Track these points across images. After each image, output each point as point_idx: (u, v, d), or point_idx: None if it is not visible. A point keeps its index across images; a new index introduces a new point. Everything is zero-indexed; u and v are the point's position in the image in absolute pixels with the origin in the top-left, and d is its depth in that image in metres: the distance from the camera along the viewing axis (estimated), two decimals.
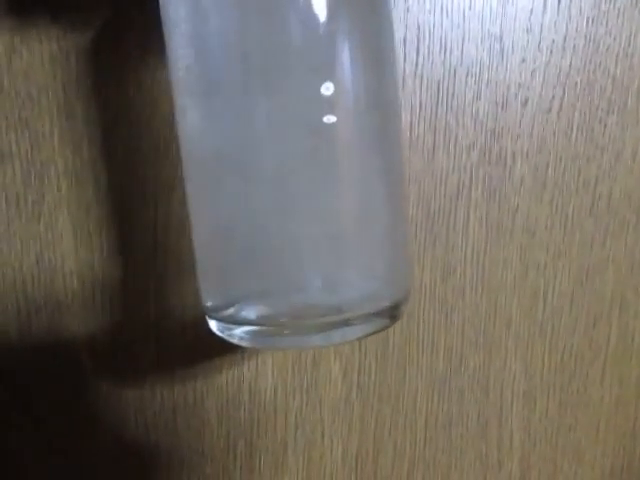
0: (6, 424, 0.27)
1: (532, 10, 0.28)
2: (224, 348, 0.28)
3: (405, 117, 0.27)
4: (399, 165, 0.23)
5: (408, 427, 0.31)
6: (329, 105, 0.19)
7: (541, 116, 0.29)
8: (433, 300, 0.30)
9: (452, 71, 0.28)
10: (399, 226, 0.22)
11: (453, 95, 0.28)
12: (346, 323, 0.20)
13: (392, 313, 0.22)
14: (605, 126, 0.30)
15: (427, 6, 0.27)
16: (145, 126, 0.26)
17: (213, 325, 0.23)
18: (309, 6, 0.18)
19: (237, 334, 0.22)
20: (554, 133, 0.30)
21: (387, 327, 0.22)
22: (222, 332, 0.22)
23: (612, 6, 0.29)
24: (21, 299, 0.27)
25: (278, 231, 0.20)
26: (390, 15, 0.21)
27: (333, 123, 0.19)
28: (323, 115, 0.19)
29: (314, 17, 0.19)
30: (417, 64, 0.27)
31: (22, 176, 0.25)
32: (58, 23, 0.24)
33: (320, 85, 0.19)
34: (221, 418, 0.29)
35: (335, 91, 0.19)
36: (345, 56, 0.19)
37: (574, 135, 0.30)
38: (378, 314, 0.21)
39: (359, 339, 0.21)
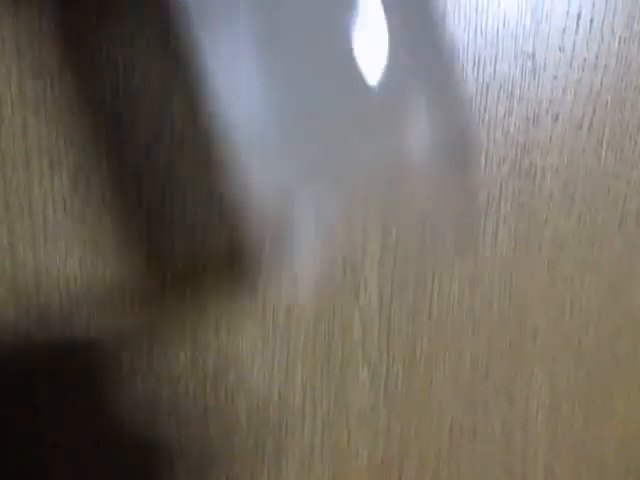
0: (47, 419, 0.28)
1: (565, 29, 0.29)
2: (256, 349, 0.29)
3: None
4: None
5: (433, 436, 0.32)
6: None
7: (571, 132, 0.30)
8: (461, 310, 0.30)
9: (485, 87, 0.28)
10: None
11: (485, 110, 0.29)
12: None
13: None
14: (635, 143, 0.30)
15: (462, 24, 0.28)
16: (187, 135, 0.27)
17: None
18: None
19: None
20: (584, 149, 0.30)
21: None
22: None
23: None
24: (64, 297, 0.28)
25: None
26: None
27: None
28: None
29: None
30: None
31: (69, 183, 0.27)
32: (104, 40, 0.25)
33: None
34: (251, 419, 0.30)
35: None
36: None
37: (604, 152, 0.30)
38: None
39: None
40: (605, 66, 0.29)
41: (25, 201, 0.27)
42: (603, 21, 0.29)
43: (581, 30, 0.29)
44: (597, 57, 0.29)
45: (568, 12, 0.29)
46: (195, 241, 0.28)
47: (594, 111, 0.30)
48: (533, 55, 0.29)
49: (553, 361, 0.32)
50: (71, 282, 0.28)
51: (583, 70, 0.29)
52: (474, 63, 0.28)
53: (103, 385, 0.29)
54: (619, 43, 0.29)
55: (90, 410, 0.29)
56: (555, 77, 0.29)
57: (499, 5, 0.28)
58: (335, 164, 0.21)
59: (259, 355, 0.29)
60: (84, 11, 0.25)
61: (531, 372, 0.32)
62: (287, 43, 0.20)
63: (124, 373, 0.29)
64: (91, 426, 0.29)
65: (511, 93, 0.29)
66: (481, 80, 0.28)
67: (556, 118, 0.29)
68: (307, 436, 0.31)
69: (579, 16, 0.29)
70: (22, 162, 0.26)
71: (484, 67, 0.28)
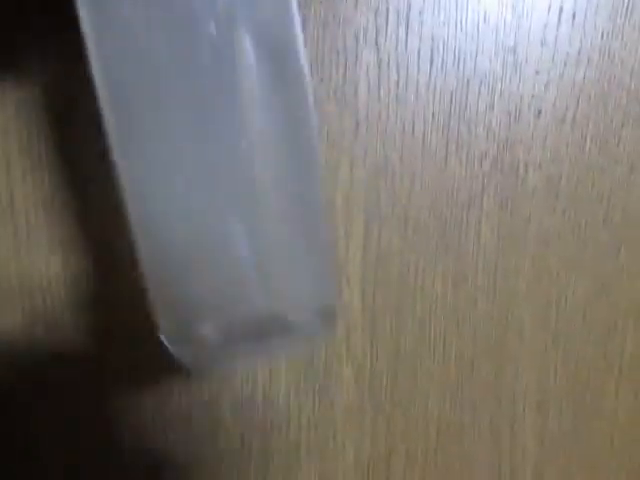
0: (29, 423, 0.28)
1: (547, 24, 0.29)
2: None
3: (418, 127, 0.28)
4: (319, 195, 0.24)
5: (420, 433, 0.32)
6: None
7: (554, 127, 0.30)
8: (444, 308, 0.30)
9: (465, 82, 0.28)
10: (325, 250, 0.24)
11: (466, 106, 0.28)
12: (284, 329, 0.22)
13: (325, 319, 0.23)
14: (619, 138, 0.30)
15: (441, 19, 0.27)
16: None
17: (169, 346, 0.24)
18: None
19: (190, 353, 0.23)
20: (567, 144, 0.30)
21: (324, 333, 0.23)
22: (177, 352, 0.23)
23: (627, 20, 0.29)
24: (48, 298, 0.28)
25: (216, 255, 0.22)
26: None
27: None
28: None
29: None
30: (430, 75, 0.28)
31: (50, 183, 0.27)
32: None
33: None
34: (236, 418, 0.30)
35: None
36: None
37: (588, 146, 0.30)
38: (313, 323, 0.23)
39: (297, 345, 0.24)
40: (588, 60, 0.29)
41: (7, 203, 0.27)
42: (586, 15, 0.29)
43: (563, 24, 0.29)
44: (580, 51, 0.29)
45: (550, 6, 0.28)
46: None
47: (577, 106, 0.30)
48: (514, 50, 0.28)
49: (540, 358, 0.32)
50: (54, 283, 0.28)
51: (566, 65, 0.29)
52: (454, 58, 0.28)
53: (88, 386, 0.29)
54: (602, 37, 0.29)
55: (74, 411, 0.29)
56: (537, 72, 0.29)
57: (479, 0, 0.28)
58: None
59: None
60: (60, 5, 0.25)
61: (517, 369, 0.32)
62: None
63: (108, 374, 0.29)
64: (75, 428, 0.29)
65: (492, 88, 0.29)
66: (462, 75, 0.28)
67: (539, 113, 0.29)
68: (293, 435, 0.31)
69: (561, 10, 0.29)
70: (3, 164, 0.26)
71: (465, 62, 0.28)
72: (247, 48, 0.20)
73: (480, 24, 0.28)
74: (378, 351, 0.30)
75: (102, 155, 0.27)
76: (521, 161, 0.30)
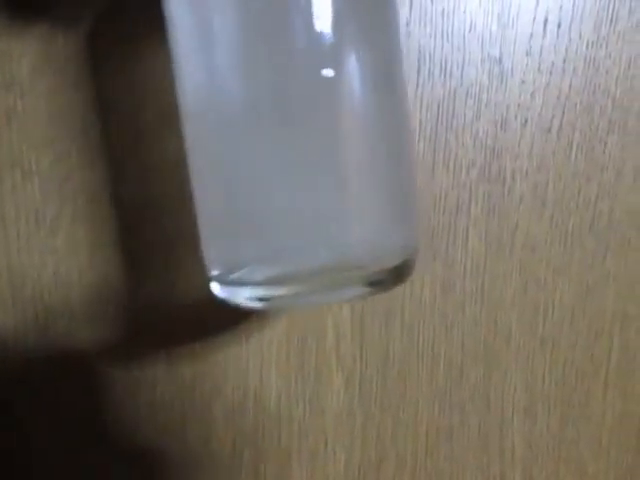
0: (22, 428, 0.29)
1: (532, 34, 0.29)
2: (230, 358, 0.29)
3: None
4: (405, 128, 0.23)
5: (410, 438, 0.32)
6: (327, 59, 0.19)
7: (541, 136, 0.30)
8: (433, 314, 0.31)
9: (452, 92, 0.29)
10: (405, 189, 0.22)
11: (453, 115, 0.29)
12: (356, 280, 0.21)
13: (400, 272, 0.22)
14: (605, 145, 0.31)
15: (428, 30, 0.28)
16: (158, 144, 0.27)
17: (221, 291, 0.22)
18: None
19: (247, 296, 0.21)
20: (554, 152, 0.30)
21: (395, 286, 0.22)
22: (232, 296, 0.22)
23: (612, 30, 0.29)
24: (39, 309, 0.28)
25: (283, 190, 0.20)
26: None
27: (332, 77, 0.19)
28: (322, 68, 0.19)
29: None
30: (417, 85, 0.28)
31: (41, 193, 0.27)
32: (82, 49, 0.26)
33: (319, 38, 0.19)
34: (227, 425, 0.30)
35: (331, 46, 0.19)
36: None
37: (574, 154, 0.30)
38: (387, 272, 0.21)
39: (369, 296, 0.21)
40: (573, 70, 0.30)
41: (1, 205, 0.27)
42: (570, 25, 0.29)
43: (548, 34, 0.29)
44: (565, 61, 0.29)
45: (535, 17, 0.29)
46: (169, 251, 0.28)
47: (563, 114, 0.30)
48: (500, 60, 0.29)
49: (528, 363, 0.32)
50: (46, 293, 0.28)
51: (551, 74, 0.29)
52: (441, 68, 0.28)
53: (80, 395, 0.29)
54: (587, 47, 0.29)
55: (68, 420, 0.29)
56: (523, 81, 0.29)
57: (465, 10, 0.28)
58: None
59: (234, 362, 0.29)
60: (54, 24, 0.26)
61: (506, 374, 0.32)
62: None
63: (101, 382, 0.29)
64: (68, 436, 0.29)
65: (479, 98, 0.29)
66: (448, 85, 0.28)
67: (525, 122, 0.30)
68: (284, 441, 0.31)
69: (546, 20, 0.29)
70: None
71: (451, 72, 0.28)
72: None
73: (466, 35, 0.28)
74: (368, 357, 0.30)
75: (93, 166, 0.27)
76: (508, 169, 0.30)
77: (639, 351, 0.34)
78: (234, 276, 0.22)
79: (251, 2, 0.19)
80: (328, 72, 0.19)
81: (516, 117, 0.29)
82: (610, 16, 0.29)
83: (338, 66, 0.19)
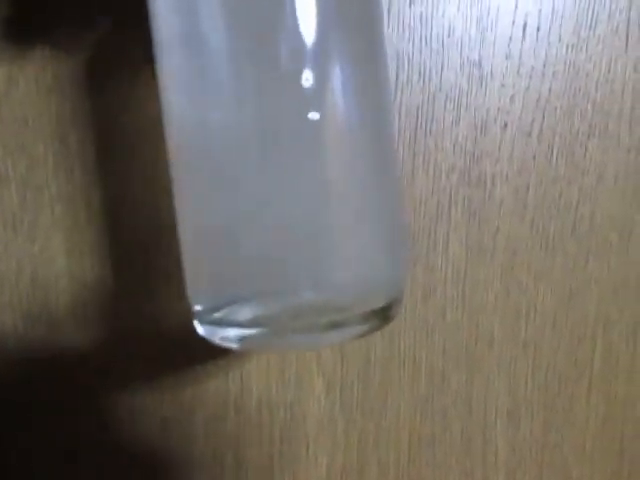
0: (6, 438, 0.28)
1: (511, 37, 0.29)
2: (211, 364, 0.29)
3: None
4: (392, 162, 0.22)
5: (392, 443, 0.32)
6: (313, 101, 0.19)
7: (521, 139, 0.30)
8: (414, 319, 0.30)
9: (431, 97, 0.28)
10: (394, 225, 0.22)
11: (432, 120, 0.29)
12: (341, 323, 0.20)
13: (386, 313, 0.21)
14: (586, 149, 0.31)
15: (406, 34, 0.28)
16: (136, 152, 0.27)
17: (202, 330, 0.22)
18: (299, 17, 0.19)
19: (228, 336, 0.21)
20: (534, 156, 0.30)
21: (382, 327, 0.21)
22: (212, 336, 0.22)
23: (592, 33, 0.29)
24: (17, 315, 0.28)
25: (267, 229, 0.20)
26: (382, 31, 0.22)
27: (317, 120, 0.19)
28: (307, 111, 0.19)
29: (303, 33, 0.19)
30: (396, 90, 0.28)
31: (18, 199, 0.27)
32: (53, 55, 0.26)
33: (301, 79, 0.19)
34: (209, 432, 0.30)
35: (317, 85, 0.19)
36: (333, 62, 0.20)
37: (554, 158, 0.30)
38: (373, 314, 0.21)
39: (354, 339, 0.21)
40: (553, 73, 0.30)
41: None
42: (550, 29, 0.29)
43: (528, 38, 0.29)
44: (545, 65, 0.29)
45: (514, 20, 0.29)
46: (148, 257, 0.28)
47: (543, 118, 0.30)
48: (480, 64, 0.29)
49: (510, 368, 0.32)
50: (24, 300, 0.28)
51: (531, 78, 0.29)
52: (420, 73, 0.28)
53: (61, 403, 0.29)
54: (567, 50, 0.29)
55: (49, 428, 0.29)
56: (503, 85, 0.29)
57: (444, 14, 0.28)
58: None
59: (214, 368, 0.29)
60: (33, 28, 0.25)
61: (488, 378, 0.32)
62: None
63: (82, 390, 0.29)
64: (50, 444, 0.29)
65: (458, 102, 0.29)
66: (427, 90, 0.28)
67: (505, 126, 0.30)
68: (265, 447, 0.31)
69: (525, 24, 0.29)
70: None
71: (430, 77, 0.28)
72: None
73: (445, 39, 0.28)
74: (348, 363, 0.30)
75: (70, 172, 0.27)
76: (488, 173, 0.30)
77: (622, 355, 0.34)
78: (216, 315, 0.21)
79: (240, 39, 0.19)
80: (314, 115, 0.19)
81: (496, 121, 0.29)
82: (590, 20, 0.29)
83: (324, 108, 0.19)
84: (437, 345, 0.31)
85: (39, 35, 0.25)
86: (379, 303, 0.21)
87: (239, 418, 0.30)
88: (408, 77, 0.28)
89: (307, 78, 0.19)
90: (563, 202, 0.31)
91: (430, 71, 0.28)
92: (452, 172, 0.29)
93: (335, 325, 0.20)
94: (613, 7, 0.29)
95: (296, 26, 0.19)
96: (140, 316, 0.28)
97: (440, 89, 0.28)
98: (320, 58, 0.19)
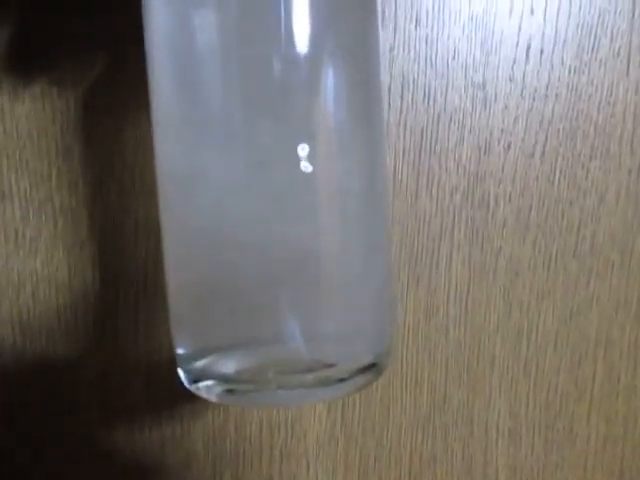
0: (1, 452, 0.28)
1: (515, 60, 0.29)
2: None
3: (389, 162, 0.28)
4: (385, 219, 0.22)
5: (393, 462, 0.32)
6: (307, 154, 0.19)
7: (524, 161, 0.30)
8: (416, 339, 0.30)
9: (435, 118, 0.29)
10: (383, 281, 0.22)
11: (436, 140, 0.29)
12: (329, 379, 0.19)
13: (377, 368, 0.21)
14: (587, 171, 0.31)
15: (412, 56, 0.28)
16: (138, 168, 0.27)
17: (183, 377, 0.21)
18: (291, 52, 0.18)
19: (209, 389, 0.20)
20: (537, 177, 0.30)
21: (372, 382, 0.21)
22: (193, 386, 0.21)
23: (594, 57, 0.30)
24: (17, 330, 0.28)
25: (257, 277, 0.19)
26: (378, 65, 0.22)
27: (311, 172, 0.19)
28: (300, 163, 0.19)
29: (296, 63, 0.19)
30: (401, 111, 0.28)
31: (21, 213, 0.27)
32: (58, 72, 0.26)
33: (297, 134, 0.19)
34: (207, 450, 0.30)
35: (312, 149, 0.19)
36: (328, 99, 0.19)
37: (557, 179, 0.31)
38: (364, 369, 0.20)
39: (345, 396, 0.20)
40: (556, 96, 0.30)
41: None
42: (553, 52, 0.29)
43: (531, 61, 0.29)
44: (547, 87, 0.30)
45: (518, 43, 0.29)
46: (147, 271, 0.28)
47: (546, 140, 0.30)
48: (484, 86, 0.29)
49: (512, 387, 0.32)
50: (24, 314, 0.28)
51: (534, 100, 0.30)
52: (425, 94, 0.28)
53: (57, 417, 0.28)
54: (569, 73, 0.30)
55: (46, 444, 0.29)
56: (506, 107, 0.29)
57: (449, 37, 0.28)
58: None
59: None
60: (30, 41, 0.25)
61: (490, 398, 0.32)
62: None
63: (79, 404, 0.29)
64: (45, 459, 0.29)
65: (462, 123, 0.29)
66: (432, 111, 0.29)
67: (508, 147, 0.30)
68: (265, 466, 0.30)
69: (529, 47, 0.29)
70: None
71: (435, 98, 0.28)
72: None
73: (449, 61, 0.28)
74: None
75: (73, 187, 0.27)
76: (491, 194, 0.30)
77: (623, 375, 0.34)
78: (197, 365, 0.21)
79: (232, 80, 0.19)
80: (306, 167, 0.19)
81: (499, 142, 0.30)
82: (591, 43, 0.30)
83: (316, 162, 0.19)
84: (439, 364, 0.31)
85: (43, 57, 0.26)
86: (367, 359, 0.20)
87: (239, 436, 0.30)
88: (413, 98, 0.28)
89: (303, 148, 0.19)
90: (565, 223, 0.31)
91: (435, 92, 0.28)
92: (455, 192, 0.29)
93: (323, 382, 0.19)
94: (614, 31, 0.30)
95: (290, 92, 0.19)
96: (140, 332, 0.28)
97: (444, 110, 0.29)
98: (317, 124, 0.19)
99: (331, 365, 0.20)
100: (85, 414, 0.29)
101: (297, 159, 0.19)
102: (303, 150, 0.19)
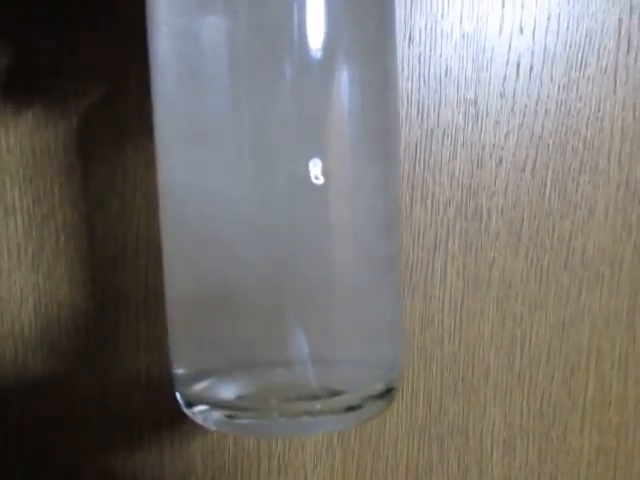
0: (1, 468, 0.28)
1: (505, 77, 0.30)
2: None
3: None
4: (398, 237, 0.21)
5: (389, 473, 0.32)
6: (318, 167, 0.18)
7: (515, 175, 0.31)
8: (412, 349, 0.31)
9: (429, 133, 0.29)
10: (397, 299, 0.21)
11: (430, 155, 0.30)
12: (339, 407, 0.18)
13: (390, 395, 0.19)
14: (578, 184, 0.32)
15: (405, 73, 0.29)
16: (139, 183, 0.27)
17: (181, 400, 0.20)
18: (304, 60, 0.18)
19: (208, 415, 0.19)
20: (528, 191, 0.31)
21: (384, 410, 0.19)
22: (190, 411, 0.19)
23: (582, 74, 0.31)
24: (19, 343, 0.28)
25: (261, 294, 0.18)
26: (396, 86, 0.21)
27: (322, 184, 0.18)
28: (311, 175, 0.18)
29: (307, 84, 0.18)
30: None
31: (24, 228, 0.27)
32: (60, 90, 0.26)
33: (308, 145, 0.18)
34: (206, 462, 0.30)
35: (323, 164, 0.18)
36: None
37: (548, 193, 0.31)
38: (376, 397, 0.19)
39: (354, 426, 0.18)
40: (545, 111, 0.31)
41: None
42: (542, 69, 0.30)
43: (521, 77, 0.30)
44: (537, 103, 0.30)
45: (508, 60, 0.30)
46: (148, 286, 0.28)
47: (536, 154, 0.31)
48: (475, 102, 0.30)
49: (506, 397, 0.33)
50: (26, 328, 0.28)
51: (524, 115, 0.30)
52: (418, 110, 0.29)
53: (57, 431, 0.29)
54: (558, 90, 0.31)
55: (47, 458, 0.29)
56: (497, 122, 0.30)
57: (441, 55, 0.29)
58: None
59: None
60: (33, 59, 0.26)
61: (484, 408, 0.33)
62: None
63: (78, 418, 0.29)
64: (45, 474, 0.29)
65: (455, 138, 0.30)
66: (425, 126, 0.29)
67: (500, 161, 0.30)
68: (263, 477, 0.31)
69: (519, 64, 0.30)
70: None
71: (428, 113, 0.29)
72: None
73: (442, 78, 0.29)
74: None
75: (74, 202, 0.27)
76: (484, 207, 0.31)
77: (615, 385, 0.34)
78: (196, 388, 0.19)
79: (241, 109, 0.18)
80: (318, 180, 0.18)
81: (491, 156, 0.30)
82: (580, 61, 0.31)
83: (327, 175, 0.18)
84: (435, 374, 0.32)
85: (45, 74, 0.26)
86: (379, 385, 0.19)
87: (237, 448, 0.30)
88: (407, 113, 0.29)
89: (315, 163, 0.18)
90: (556, 235, 0.32)
91: (428, 108, 0.29)
92: (449, 205, 0.30)
93: (331, 410, 0.18)
94: (602, 49, 0.31)
95: (301, 105, 0.18)
96: (141, 346, 0.28)
97: (438, 125, 0.29)
98: (330, 137, 0.18)
99: (340, 392, 0.18)
100: (85, 428, 0.29)
101: (308, 173, 0.18)
102: (315, 165, 0.18)
